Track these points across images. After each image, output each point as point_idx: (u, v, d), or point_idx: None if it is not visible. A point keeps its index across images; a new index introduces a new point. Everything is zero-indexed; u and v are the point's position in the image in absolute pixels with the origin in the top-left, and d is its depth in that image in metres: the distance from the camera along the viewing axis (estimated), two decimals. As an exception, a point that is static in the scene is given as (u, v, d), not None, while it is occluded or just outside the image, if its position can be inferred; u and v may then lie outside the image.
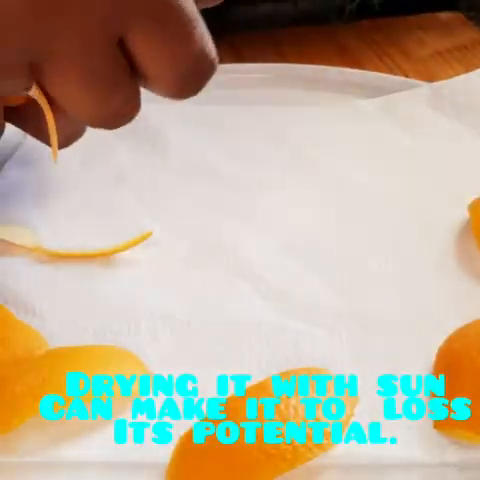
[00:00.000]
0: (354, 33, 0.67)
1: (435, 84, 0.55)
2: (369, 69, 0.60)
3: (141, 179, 0.48)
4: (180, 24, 0.32)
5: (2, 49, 0.30)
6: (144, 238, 0.42)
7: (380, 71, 0.60)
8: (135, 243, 0.42)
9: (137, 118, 0.35)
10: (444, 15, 0.70)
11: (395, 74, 0.60)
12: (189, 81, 0.33)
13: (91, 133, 0.38)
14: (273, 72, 0.58)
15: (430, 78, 0.60)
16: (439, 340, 0.36)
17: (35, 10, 0.29)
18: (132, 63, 0.32)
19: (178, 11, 0.32)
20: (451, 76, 0.60)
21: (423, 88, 0.55)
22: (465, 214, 0.43)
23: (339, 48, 0.65)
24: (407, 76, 0.61)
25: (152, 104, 0.37)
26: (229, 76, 0.57)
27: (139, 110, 0.34)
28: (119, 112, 0.33)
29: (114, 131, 0.35)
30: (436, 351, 0.36)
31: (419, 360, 0.36)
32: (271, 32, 0.65)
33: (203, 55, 0.33)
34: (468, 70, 0.61)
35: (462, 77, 0.55)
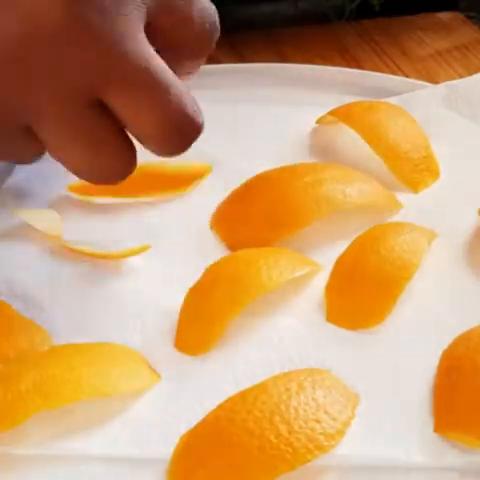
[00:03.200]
0: (354, 33, 0.67)
1: (450, 83, 0.55)
2: (369, 69, 0.60)
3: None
4: (154, 89, 0.32)
5: None
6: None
7: (380, 71, 0.60)
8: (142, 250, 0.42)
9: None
10: (444, 15, 0.70)
11: (395, 74, 0.60)
12: (171, 142, 0.33)
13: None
14: (273, 72, 0.58)
15: (430, 78, 0.60)
16: (443, 343, 0.36)
17: (9, 83, 0.31)
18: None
19: (150, 76, 0.32)
20: (451, 76, 0.60)
21: (438, 87, 0.54)
22: (477, 216, 0.43)
23: (339, 48, 0.65)
24: (407, 76, 0.61)
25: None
26: (229, 76, 0.57)
27: (135, 164, 0.34)
28: (110, 167, 0.33)
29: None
30: (440, 354, 0.36)
31: (422, 363, 0.36)
32: (271, 32, 0.65)
33: (182, 117, 0.33)
34: (468, 70, 0.61)
35: (477, 76, 0.55)
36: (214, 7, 0.36)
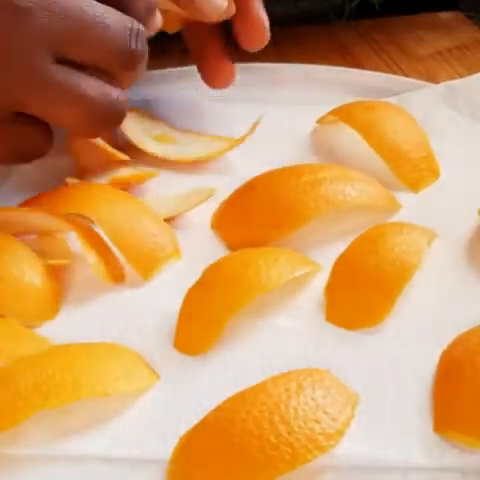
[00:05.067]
0: (354, 32, 0.67)
1: (450, 83, 0.55)
2: (369, 68, 0.60)
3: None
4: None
5: None
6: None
7: (380, 70, 0.60)
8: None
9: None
10: (444, 14, 0.70)
11: (395, 73, 0.60)
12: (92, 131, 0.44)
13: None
14: (273, 72, 0.58)
15: (430, 77, 0.60)
16: (443, 343, 0.36)
17: None
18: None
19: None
20: (451, 75, 0.60)
21: (438, 87, 0.54)
22: (477, 216, 0.43)
23: (339, 47, 0.65)
24: (407, 75, 0.61)
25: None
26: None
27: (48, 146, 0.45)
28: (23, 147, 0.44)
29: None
30: (439, 354, 0.36)
31: (422, 363, 0.36)
32: (271, 31, 0.65)
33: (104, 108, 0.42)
34: (468, 69, 0.61)
35: (478, 75, 0.55)
36: (129, 27, 0.41)
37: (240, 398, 0.33)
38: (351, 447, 0.32)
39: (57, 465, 0.33)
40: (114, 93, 0.42)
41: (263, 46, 0.49)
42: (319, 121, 0.52)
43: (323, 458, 0.31)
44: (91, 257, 0.40)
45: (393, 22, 0.69)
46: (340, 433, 0.32)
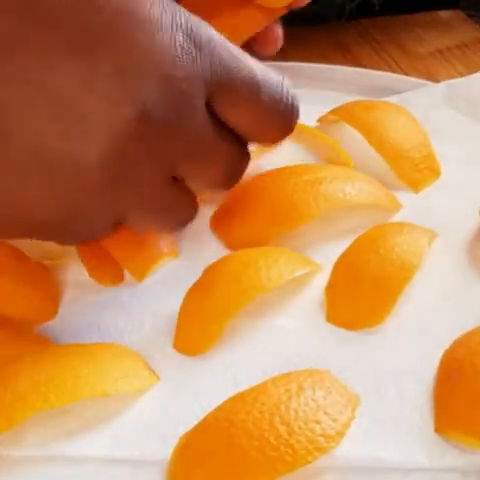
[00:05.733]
0: (354, 32, 0.67)
1: (451, 82, 0.54)
2: (369, 68, 0.60)
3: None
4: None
5: (92, 218, 0.36)
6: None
7: (380, 70, 0.59)
8: None
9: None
10: (444, 13, 0.70)
11: (395, 72, 0.60)
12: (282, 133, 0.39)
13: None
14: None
15: (430, 76, 0.60)
16: (443, 344, 0.36)
17: (110, 182, 0.34)
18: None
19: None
20: (451, 74, 0.60)
21: (439, 86, 0.54)
22: (477, 216, 0.43)
23: (339, 47, 0.65)
24: (407, 74, 0.61)
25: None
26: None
27: (197, 212, 0.40)
28: (183, 221, 0.39)
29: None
30: (440, 355, 0.36)
31: (422, 363, 0.36)
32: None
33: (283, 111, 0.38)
34: (468, 68, 0.61)
35: (478, 74, 0.55)
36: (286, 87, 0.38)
37: (240, 399, 0.33)
38: (352, 448, 0.32)
39: (57, 465, 0.33)
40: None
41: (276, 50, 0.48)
42: (320, 120, 0.52)
43: (323, 459, 0.31)
44: (87, 261, 0.40)
45: (393, 21, 0.69)
46: (341, 434, 0.32)
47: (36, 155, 0.33)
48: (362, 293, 0.38)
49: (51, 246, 0.41)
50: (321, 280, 0.40)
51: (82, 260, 0.41)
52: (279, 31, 0.47)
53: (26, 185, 0.34)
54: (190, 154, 0.36)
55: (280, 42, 0.47)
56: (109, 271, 0.41)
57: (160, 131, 0.34)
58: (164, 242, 0.43)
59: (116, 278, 0.42)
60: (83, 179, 0.34)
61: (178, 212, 0.38)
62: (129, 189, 0.35)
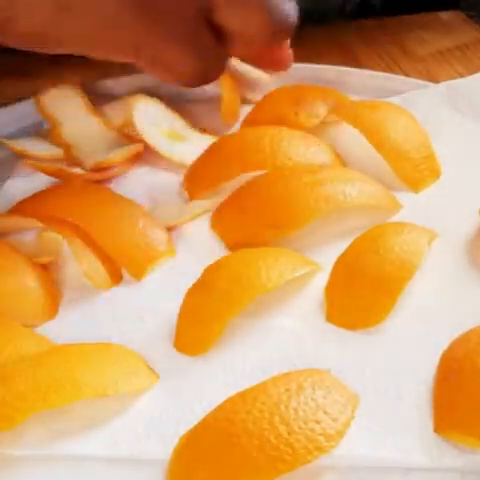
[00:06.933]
0: (354, 32, 0.67)
1: (451, 83, 0.55)
2: (369, 68, 0.60)
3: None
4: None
5: (117, 45, 0.40)
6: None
7: (380, 70, 0.60)
8: None
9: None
10: (445, 14, 0.70)
11: (395, 73, 0.60)
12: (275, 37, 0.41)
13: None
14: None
15: (430, 77, 0.60)
16: (443, 344, 0.36)
17: (142, 16, 0.39)
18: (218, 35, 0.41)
19: None
20: (452, 75, 0.60)
21: (439, 87, 0.54)
22: (477, 216, 0.43)
23: (339, 47, 0.65)
24: (407, 75, 0.61)
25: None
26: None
27: (223, 72, 0.43)
28: (208, 71, 0.42)
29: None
30: (439, 354, 0.36)
31: (422, 363, 0.36)
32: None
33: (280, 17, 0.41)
34: (469, 69, 0.61)
35: (478, 75, 0.55)
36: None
37: (240, 398, 0.33)
38: (351, 447, 0.32)
39: (57, 465, 0.33)
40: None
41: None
42: (321, 120, 0.52)
43: (323, 458, 0.31)
44: (82, 265, 0.40)
45: (394, 22, 0.69)
46: (340, 433, 0.32)
47: None
48: (362, 293, 0.38)
49: (51, 246, 0.42)
50: (321, 280, 0.40)
51: (77, 261, 0.41)
52: (287, 52, 0.48)
53: None
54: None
55: (289, 62, 0.49)
56: (109, 270, 0.41)
57: None
58: (161, 241, 0.43)
59: (113, 278, 0.42)
60: None
61: (205, 51, 0.41)
62: (163, 12, 0.39)
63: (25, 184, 0.48)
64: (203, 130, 0.52)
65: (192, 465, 0.32)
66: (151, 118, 0.51)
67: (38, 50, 0.41)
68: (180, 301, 0.39)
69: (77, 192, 0.45)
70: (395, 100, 0.53)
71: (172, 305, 0.39)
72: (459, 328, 0.36)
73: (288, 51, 0.48)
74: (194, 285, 0.39)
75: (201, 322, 0.38)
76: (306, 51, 0.63)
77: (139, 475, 0.33)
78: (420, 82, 0.56)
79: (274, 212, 0.43)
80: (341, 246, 0.41)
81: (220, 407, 0.33)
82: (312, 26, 0.66)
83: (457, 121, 0.52)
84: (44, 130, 0.52)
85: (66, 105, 0.51)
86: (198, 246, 0.44)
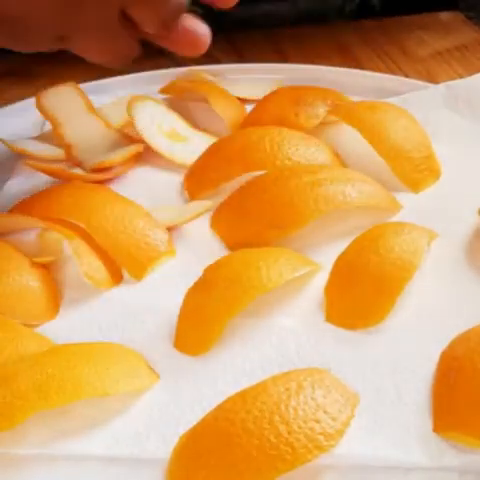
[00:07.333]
0: (354, 32, 0.67)
1: (450, 83, 0.55)
2: (369, 69, 0.60)
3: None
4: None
5: (40, 33, 0.44)
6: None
7: (380, 71, 0.60)
8: None
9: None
10: (444, 15, 0.70)
11: (395, 74, 0.60)
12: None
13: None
14: (273, 72, 0.58)
15: (430, 78, 0.60)
16: (443, 343, 0.36)
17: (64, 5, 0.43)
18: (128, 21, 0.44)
19: None
20: (451, 76, 0.60)
21: (438, 87, 0.54)
22: (477, 216, 0.43)
23: (339, 47, 0.65)
24: (407, 76, 0.61)
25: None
26: (229, 76, 0.57)
27: (138, 51, 0.46)
28: (125, 53, 0.46)
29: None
30: (439, 354, 0.36)
31: (421, 363, 0.36)
32: (271, 31, 0.65)
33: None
34: (468, 70, 0.61)
35: (477, 76, 0.55)
36: None
37: (240, 398, 0.33)
38: (351, 447, 0.32)
39: (57, 465, 0.33)
40: None
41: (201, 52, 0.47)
42: (321, 121, 0.52)
43: (323, 458, 0.31)
44: (83, 265, 0.40)
45: (393, 22, 0.69)
46: (340, 433, 0.32)
47: None
48: (362, 293, 0.39)
49: (51, 245, 0.42)
50: (321, 280, 0.40)
51: (78, 261, 0.41)
52: (201, 35, 0.46)
53: None
54: None
55: (204, 45, 0.46)
56: (109, 270, 0.41)
57: None
58: (161, 241, 0.43)
59: (113, 278, 0.42)
60: None
61: (120, 38, 0.45)
62: (81, 12, 0.43)
63: (25, 184, 0.49)
64: (203, 130, 0.52)
65: (192, 465, 0.32)
66: (151, 118, 0.51)
67: None
68: (180, 301, 0.39)
69: (77, 192, 0.45)
70: (395, 101, 0.53)
71: (172, 305, 0.39)
72: (459, 328, 0.36)
73: (203, 35, 0.46)
74: (194, 285, 0.39)
75: (201, 322, 0.38)
76: (306, 51, 0.63)
77: (139, 474, 0.33)
78: (420, 83, 0.56)
79: (274, 212, 0.43)
80: (341, 246, 0.41)
81: (220, 407, 0.33)
82: (312, 26, 0.66)
83: (457, 121, 0.52)
84: (44, 130, 0.52)
85: (66, 105, 0.51)
86: (198, 246, 0.44)
